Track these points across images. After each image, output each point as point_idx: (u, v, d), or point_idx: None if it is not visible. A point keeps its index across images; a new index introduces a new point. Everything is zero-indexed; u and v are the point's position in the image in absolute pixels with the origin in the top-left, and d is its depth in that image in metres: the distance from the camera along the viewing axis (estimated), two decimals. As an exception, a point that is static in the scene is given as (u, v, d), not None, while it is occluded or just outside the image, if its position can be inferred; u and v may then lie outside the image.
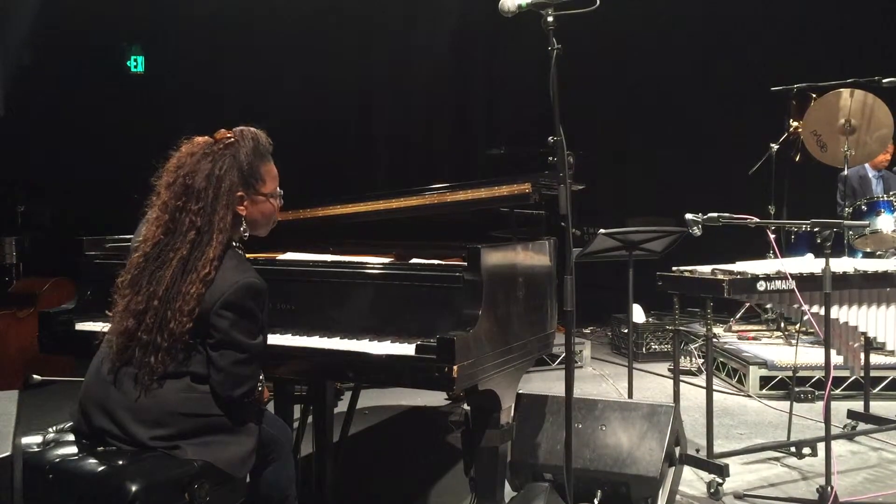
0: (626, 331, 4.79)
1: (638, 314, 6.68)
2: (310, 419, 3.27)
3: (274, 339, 2.76)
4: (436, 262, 2.93)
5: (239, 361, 2.29)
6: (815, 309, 3.51)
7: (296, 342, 2.74)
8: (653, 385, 5.78)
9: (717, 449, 3.77)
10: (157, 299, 2.28)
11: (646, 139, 7.93)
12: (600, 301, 7.11)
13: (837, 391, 5.07)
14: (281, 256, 3.16)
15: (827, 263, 3.26)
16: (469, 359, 2.55)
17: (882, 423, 4.22)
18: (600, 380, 5.97)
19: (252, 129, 2.46)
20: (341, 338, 2.72)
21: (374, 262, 3.00)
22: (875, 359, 4.60)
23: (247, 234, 2.48)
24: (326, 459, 3.09)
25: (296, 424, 3.33)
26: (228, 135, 2.41)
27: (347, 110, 7.53)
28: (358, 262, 2.99)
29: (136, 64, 7.50)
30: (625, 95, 7.91)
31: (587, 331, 7.69)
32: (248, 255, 3.17)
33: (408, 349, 2.57)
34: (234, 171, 2.36)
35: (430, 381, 2.54)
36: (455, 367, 2.48)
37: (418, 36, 7.74)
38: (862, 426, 4.31)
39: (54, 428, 2.44)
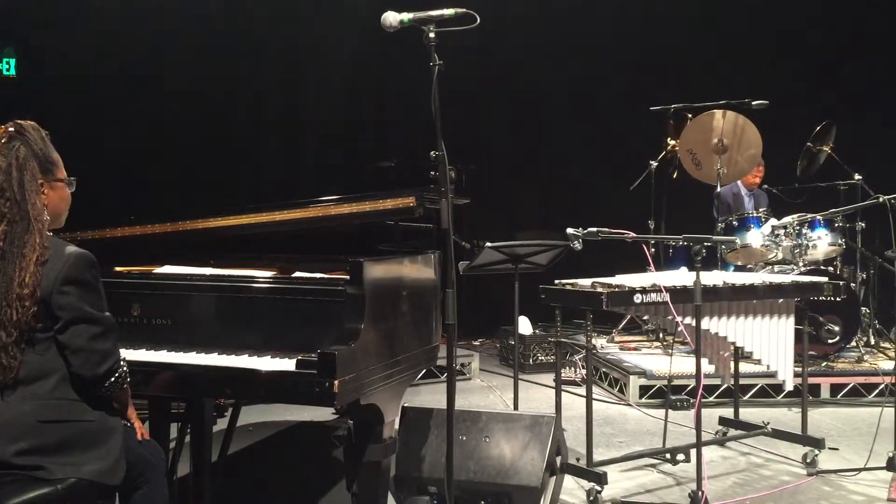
0: (513, 343, 4.86)
1: (525, 326, 6.81)
2: (187, 438, 3.16)
3: (148, 356, 2.68)
4: (319, 275, 2.91)
5: (95, 336, 2.25)
6: (687, 320, 3.66)
7: (171, 358, 2.66)
8: (539, 396, 5.89)
9: (597, 457, 3.88)
10: None
11: (534, 155, 8.11)
12: (489, 313, 7.22)
13: (710, 399, 5.31)
14: (158, 270, 3.05)
15: (697, 276, 3.41)
16: (351, 373, 2.53)
17: (750, 428, 4.43)
18: (488, 391, 6.04)
19: (22, 121, 2.41)
20: (219, 353, 2.66)
21: (256, 275, 2.95)
22: (744, 367, 4.84)
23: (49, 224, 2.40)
24: (204, 480, 3.00)
25: (173, 444, 3.21)
26: (10, 128, 2.38)
27: (235, 119, 7.36)
28: (238, 276, 2.93)
29: (9, 67, 7.14)
30: (515, 111, 8.07)
31: (476, 343, 7.77)
32: (121, 269, 3.08)
33: (288, 364, 2.54)
34: (31, 159, 2.34)
35: (310, 397, 2.50)
36: (336, 382, 2.45)
37: (314, 46, 7.67)
38: (732, 432, 4.52)
39: None
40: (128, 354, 2.51)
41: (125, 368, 2.34)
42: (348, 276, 2.69)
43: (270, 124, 7.74)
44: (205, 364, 2.61)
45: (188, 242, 3.38)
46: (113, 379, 2.29)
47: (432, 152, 2.61)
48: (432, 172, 2.64)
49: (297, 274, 2.94)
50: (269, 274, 3.02)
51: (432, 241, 3.48)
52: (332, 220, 3.29)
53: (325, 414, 4.87)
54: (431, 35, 2.55)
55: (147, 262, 3.16)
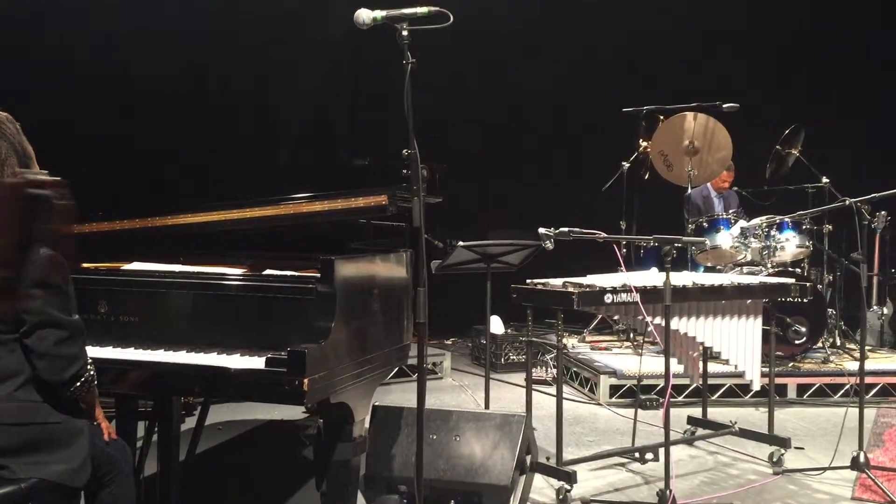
0: (485, 342, 4.87)
1: (497, 326, 6.82)
2: (155, 437, 3.13)
3: (115, 354, 2.65)
4: (289, 273, 2.89)
5: (61, 340, 2.20)
6: (657, 320, 3.69)
7: (139, 356, 2.63)
8: (511, 395, 5.90)
9: (567, 456, 3.89)
10: None
11: (507, 154, 8.12)
12: (462, 312, 7.22)
13: (679, 398, 5.36)
14: (126, 266, 3.02)
15: (667, 277, 3.44)
16: (321, 371, 2.52)
17: (718, 428, 4.48)
18: (459, 391, 6.05)
19: None
20: (188, 351, 2.64)
21: (226, 272, 2.93)
22: (713, 367, 4.88)
23: None
24: (172, 479, 2.97)
25: (140, 443, 3.18)
26: None
27: (206, 116, 7.29)
28: (207, 273, 2.91)
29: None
30: (488, 111, 8.07)
31: (448, 342, 7.77)
32: (89, 265, 3.04)
33: (258, 362, 2.52)
34: (12, 153, 2.29)
35: (280, 395, 2.50)
36: (306, 381, 2.44)
37: (287, 45, 7.62)
38: (700, 431, 4.56)
39: None
40: (94, 352, 2.48)
41: (92, 371, 2.30)
42: (319, 274, 2.68)
43: (243, 121, 7.68)
44: (173, 362, 2.58)
45: (157, 239, 3.35)
46: (79, 383, 2.24)
47: (405, 151, 2.60)
48: (405, 171, 2.63)
49: (268, 271, 2.92)
50: (239, 271, 3.00)
51: (404, 239, 3.48)
52: (304, 218, 3.28)
53: (295, 413, 4.85)
54: (404, 33, 2.54)
55: (115, 258, 3.13)
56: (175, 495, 2.97)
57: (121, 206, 3.64)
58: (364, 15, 2.55)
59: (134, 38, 6.79)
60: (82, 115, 6.44)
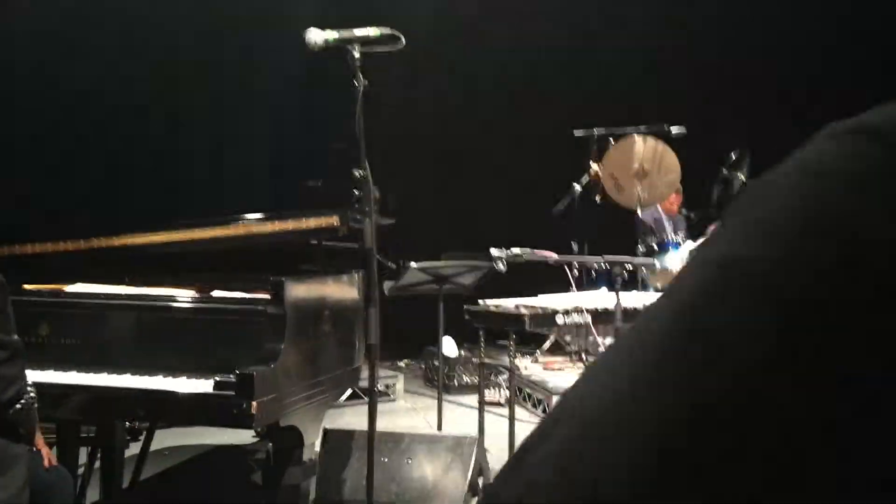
0: (438, 364, 4.86)
1: (450, 347, 6.81)
2: (98, 463, 3.05)
3: (57, 377, 2.58)
4: (239, 294, 2.86)
5: (1, 361, 2.13)
6: (608, 341, 3.72)
7: (81, 380, 2.56)
8: (464, 417, 5.87)
9: (520, 478, 3.88)
10: None
11: (463, 176, 8.15)
12: (415, 334, 7.20)
13: (631, 418, 5.39)
14: (69, 288, 2.95)
15: (618, 299, 3.48)
16: (270, 394, 2.49)
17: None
18: (412, 413, 6.01)
19: None
20: (132, 374, 2.58)
21: (173, 294, 2.88)
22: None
23: None
24: (115, 506, 2.90)
25: (82, 470, 3.09)
26: None
27: (155, 134, 7.20)
28: (154, 295, 2.85)
29: None
30: (444, 132, 8.11)
31: (402, 363, 7.73)
32: (31, 286, 2.96)
33: (205, 386, 2.48)
34: None
35: (228, 419, 2.46)
36: (255, 404, 2.40)
37: (241, 61, 7.57)
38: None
39: None
40: (35, 376, 2.40)
41: (32, 395, 2.24)
42: (269, 296, 2.65)
43: (193, 141, 7.59)
44: (117, 386, 2.53)
45: (103, 260, 3.28)
46: (18, 406, 2.18)
47: (356, 172, 2.60)
48: (356, 192, 2.63)
49: (217, 293, 2.88)
50: (187, 293, 2.95)
51: (357, 260, 3.46)
52: (255, 239, 3.24)
53: (244, 437, 4.76)
54: (356, 55, 2.55)
55: (58, 279, 3.05)
56: (118, 523, 2.90)
57: (65, 225, 3.55)
58: (315, 35, 2.55)
59: (79, 48, 6.68)
60: (24, 131, 6.31)
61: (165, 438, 4.41)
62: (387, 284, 4.72)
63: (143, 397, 2.50)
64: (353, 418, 5.43)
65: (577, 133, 6.77)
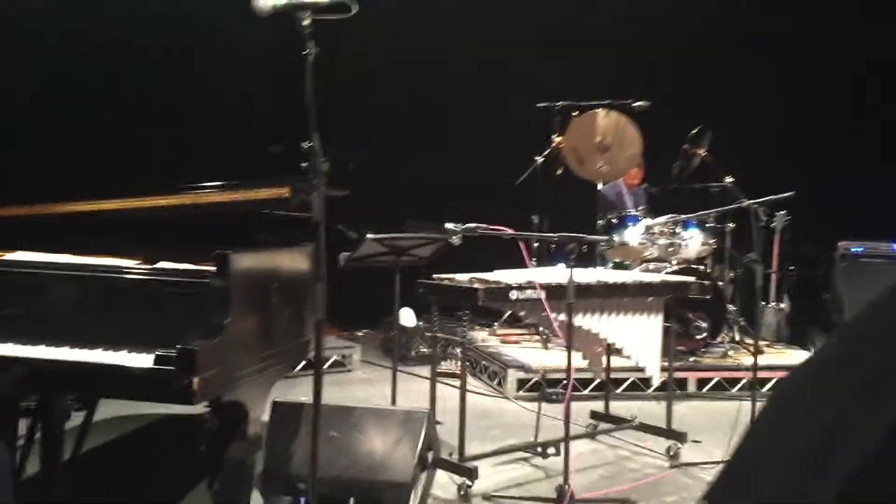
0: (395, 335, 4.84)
1: (409, 318, 6.80)
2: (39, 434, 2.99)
3: (-8, 349, 2.51)
4: (184, 266, 2.79)
5: None
6: (561, 317, 3.72)
7: (16, 352, 2.49)
8: (420, 388, 5.86)
9: (472, 450, 3.90)
10: None
11: (424, 147, 8.08)
12: (375, 304, 7.16)
13: (584, 392, 5.44)
14: (8, 256, 2.86)
15: (570, 275, 3.47)
16: (213, 369, 2.44)
17: (619, 422, 4.57)
18: (368, 384, 6.00)
19: None
20: (71, 347, 2.51)
21: (115, 264, 2.80)
22: (617, 362, 4.95)
23: None
24: (54, 479, 2.84)
25: (22, 442, 3.03)
26: None
27: (113, 98, 7.00)
28: (95, 265, 2.77)
29: None
30: (404, 103, 8.02)
31: (360, 334, 7.71)
32: (-33, 254, 2.87)
33: (146, 360, 2.42)
34: None
35: (168, 395, 2.42)
36: (196, 380, 2.36)
37: (206, 24, 7.36)
38: (603, 426, 4.65)
39: None
40: (-33, 347, 2.34)
41: None
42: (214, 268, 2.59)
43: (154, 102, 7.39)
44: (53, 359, 2.46)
45: (46, 227, 3.19)
46: None
47: (304, 143, 2.54)
48: (304, 163, 2.57)
49: (161, 264, 2.81)
50: (131, 263, 2.88)
51: (312, 232, 3.40)
52: (204, 209, 3.18)
53: (196, 406, 4.72)
54: (306, 22, 2.47)
55: (-3, 246, 2.96)
56: (57, 497, 2.84)
57: (6, 191, 3.44)
58: (263, 2, 2.47)
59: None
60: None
61: (112, 408, 4.35)
62: (342, 256, 4.68)
63: (81, 371, 2.44)
64: (306, 388, 5.37)
65: (540, 105, 6.74)
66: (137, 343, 2.51)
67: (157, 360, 2.40)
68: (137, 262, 2.94)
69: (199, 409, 4.61)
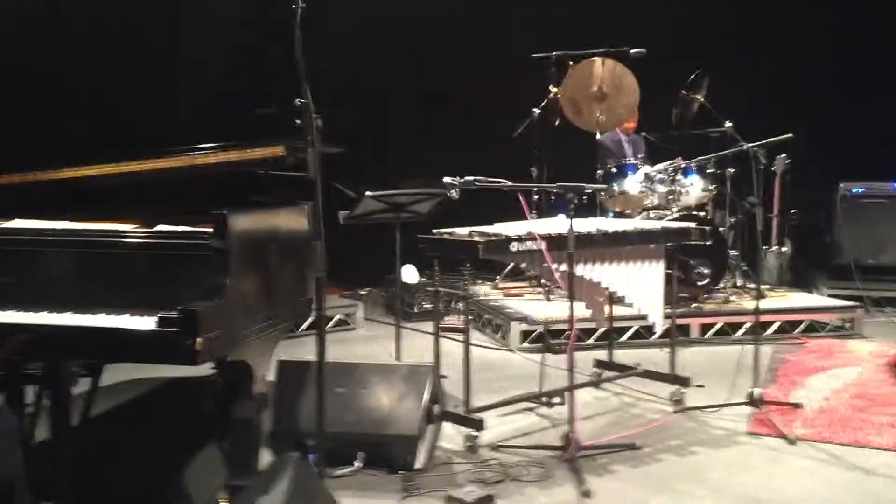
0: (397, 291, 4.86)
1: (411, 274, 6.81)
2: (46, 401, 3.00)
3: (-6, 317, 2.51)
4: (182, 228, 2.78)
5: None
6: (562, 267, 3.72)
7: (19, 318, 2.50)
8: (424, 343, 5.88)
9: (478, 403, 3.93)
10: None
11: (420, 101, 8.00)
12: (377, 262, 7.16)
13: (588, 342, 5.47)
14: (6, 224, 2.86)
15: (570, 224, 3.46)
16: (216, 330, 2.45)
17: (623, 370, 4.60)
18: (372, 341, 6.03)
19: None
20: (73, 312, 2.52)
21: (114, 228, 2.79)
22: (620, 310, 4.96)
23: None
24: (63, 445, 2.86)
25: (30, 409, 3.05)
26: None
27: (103, 58, 6.90)
28: (95, 230, 2.77)
29: None
30: (402, 57, 7.91)
31: (363, 291, 7.72)
32: (-35, 224, 2.86)
33: (148, 323, 2.43)
34: None
35: (172, 357, 2.42)
36: (199, 340, 2.37)
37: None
38: (607, 374, 4.67)
39: None
40: (-30, 316, 2.35)
41: None
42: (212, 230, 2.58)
43: (145, 63, 7.30)
44: (56, 324, 2.46)
45: (43, 194, 3.18)
46: None
47: (296, 100, 2.51)
48: (297, 121, 2.55)
49: (159, 227, 2.81)
50: (129, 227, 2.87)
51: (308, 191, 3.39)
52: (199, 171, 3.16)
53: (202, 369, 4.74)
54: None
55: (-6, 215, 2.95)
56: (67, 461, 2.87)
57: (1, 158, 3.42)
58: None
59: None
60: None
61: (119, 372, 4.37)
62: (341, 214, 4.66)
63: (84, 336, 2.44)
64: (311, 348, 5.40)
65: (535, 56, 6.67)
66: (139, 306, 2.51)
67: (160, 322, 2.40)
68: (135, 226, 2.93)
69: (204, 370, 4.66)
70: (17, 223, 2.88)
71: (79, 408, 3.14)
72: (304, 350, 5.24)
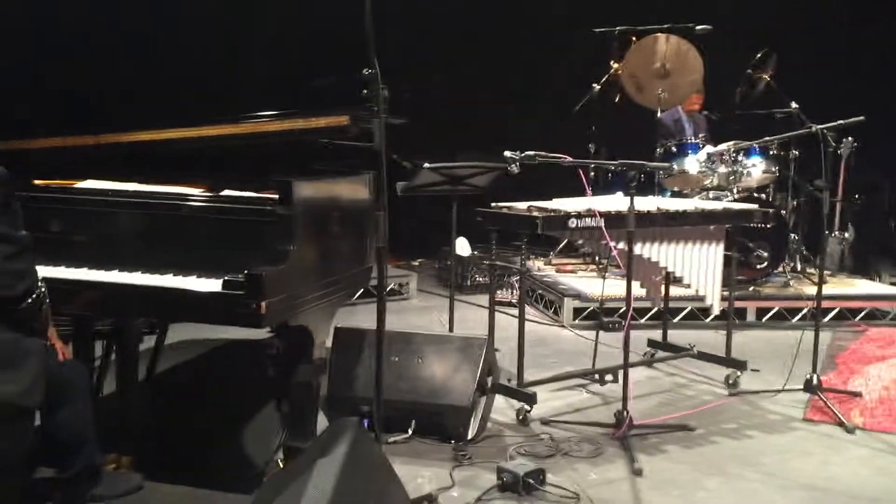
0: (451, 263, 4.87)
1: (464, 247, 6.83)
2: (114, 356, 3.11)
3: (68, 273, 2.61)
4: (248, 194, 2.84)
5: (9, 256, 2.18)
6: (620, 245, 3.69)
7: (92, 276, 2.59)
8: (476, 316, 5.93)
9: (529, 377, 3.94)
10: None
11: (480, 75, 7.96)
12: (431, 234, 7.20)
13: (641, 321, 5.43)
14: (79, 184, 2.94)
15: (631, 202, 3.43)
16: (279, 295, 2.50)
17: (677, 350, 4.56)
18: (425, 311, 6.08)
19: None
20: (143, 272, 2.60)
21: (183, 192, 2.86)
22: (675, 291, 4.91)
23: None
24: (131, 399, 2.97)
25: (99, 362, 3.16)
26: None
27: (171, 27, 7.00)
28: (164, 193, 2.84)
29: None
30: (461, 30, 7.87)
31: (416, 263, 7.77)
32: (41, 182, 2.96)
33: (215, 285, 2.49)
34: None
35: (237, 318, 2.48)
36: (263, 304, 2.42)
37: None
38: (660, 354, 4.64)
39: None
40: (46, 272, 2.44)
41: (43, 289, 2.27)
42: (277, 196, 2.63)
43: (211, 34, 7.38)
44: (127, 283, 2.55)
45: (113, 156, 3.25)
46: (30, 300, 2.22)
47: (365, 70, 2.52)
48: (363, 91, 2.56)
49: (226, 192, 2.86)
50: (196, 191, 2.93)
51: (370, 161, 3.41)
52: (264, 137, 3.20)
53: (259, 332, 4.84)
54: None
55: (68, 175, 3.04)
56: (134, 414, 2.97)
57: (76, 121, 3.50)
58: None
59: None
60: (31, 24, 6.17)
61: (180, 332, 4.48)
62: (399, 185, 4.68)
63: (153, 295, 2.52)
64: (365, 316, 5.48)
65: (598, 31, 6.57)
66: (206, 269, 2.58)
67: (225, 285, 2.46)
68: (202, 190, 3.00)
69: (264, 334, 4.76)
70: (90, 184, 2.96)
71: (144, 364, 3.24)
72: (357, 318, 5.30)
